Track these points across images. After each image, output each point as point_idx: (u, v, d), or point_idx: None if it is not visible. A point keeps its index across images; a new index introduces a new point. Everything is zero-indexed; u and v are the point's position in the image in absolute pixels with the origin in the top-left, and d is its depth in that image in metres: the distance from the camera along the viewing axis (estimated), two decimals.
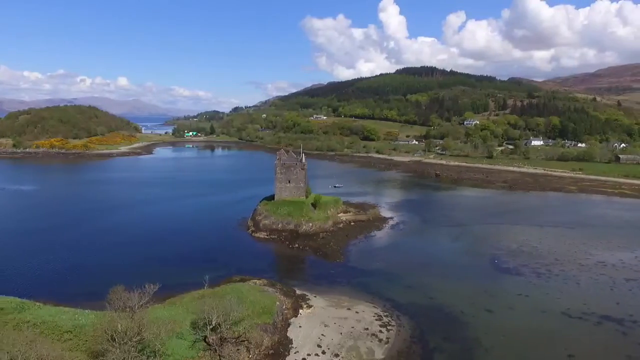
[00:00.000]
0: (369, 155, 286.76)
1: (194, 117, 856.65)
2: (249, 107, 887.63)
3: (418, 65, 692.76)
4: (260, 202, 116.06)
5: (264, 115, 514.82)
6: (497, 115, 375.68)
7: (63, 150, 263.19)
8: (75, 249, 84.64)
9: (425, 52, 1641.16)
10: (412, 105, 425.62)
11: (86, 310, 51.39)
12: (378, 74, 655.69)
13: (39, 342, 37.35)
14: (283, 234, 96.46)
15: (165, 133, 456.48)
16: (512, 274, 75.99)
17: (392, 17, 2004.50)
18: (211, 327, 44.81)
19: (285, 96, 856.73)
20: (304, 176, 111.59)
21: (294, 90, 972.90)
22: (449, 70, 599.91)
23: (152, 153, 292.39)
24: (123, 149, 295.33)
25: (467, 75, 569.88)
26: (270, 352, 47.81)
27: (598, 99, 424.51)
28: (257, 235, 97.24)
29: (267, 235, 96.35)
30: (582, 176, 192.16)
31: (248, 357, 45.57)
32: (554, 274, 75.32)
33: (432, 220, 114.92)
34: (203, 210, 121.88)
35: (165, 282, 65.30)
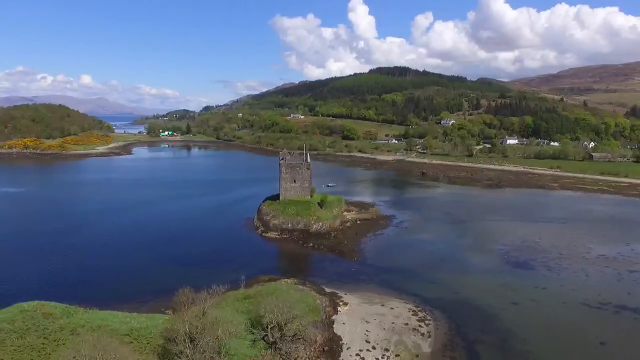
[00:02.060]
0: (352, 154, 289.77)
1: (164, 116, 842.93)
2: (220, 106, 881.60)
3: (388, 65, 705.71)
4: (264, 202, 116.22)
5: (241, 114, 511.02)
6: (471, 114, 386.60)
7: (38, 151, 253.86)
8: (87, 252, 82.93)
9: (394, 52, 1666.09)
10: (389, 104, 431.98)
11: (133, 313, 51.12)
12: (350, 73, 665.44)
13: (113, 346, 37.24)
14: (294, 233, 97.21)
15: (139, 132, 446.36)
16: (524, 268, 79.46)
17: (362, 17, 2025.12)
18: (272, 325, 45.47)
19: (257, 95, 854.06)
20: (309, 176, 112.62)
21: (264, 90, 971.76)
22: (421, 71, 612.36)
23: (131, 153, 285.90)
24: (100, 149, 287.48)
25: (440, 76, 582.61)
26: (325, 348, 48.88)
27: (564, 99, 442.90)
28: (267, 235, 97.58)
29: (279, 235, 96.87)
30: (561, 174, 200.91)
31: (306, 354, 46.46)
32: (563, 268, 79.26)
33: (433, 217, 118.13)
34: (204, 211, 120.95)
35: (191, 284, 65.96)
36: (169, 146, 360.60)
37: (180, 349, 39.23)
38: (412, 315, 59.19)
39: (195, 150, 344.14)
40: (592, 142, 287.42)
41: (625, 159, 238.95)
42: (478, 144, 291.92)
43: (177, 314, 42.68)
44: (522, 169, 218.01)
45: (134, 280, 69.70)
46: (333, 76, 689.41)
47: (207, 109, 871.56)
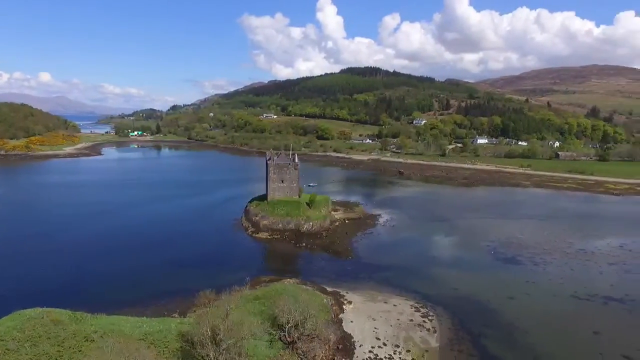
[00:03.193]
0: (327, 154, 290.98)
1: (130, 115, 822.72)
2: (188, 105, 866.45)
3: (357, 65, 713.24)
4: (250, 202, 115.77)
5: (212, 113, 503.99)
6: (442, 114, 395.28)
7: (2, 152, 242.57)
8: (75, 256, 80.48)
9: (363, 52, 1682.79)
10: (361, 104, 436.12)
11: (143, 317, 50.28)
12: (320, 73, 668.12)
13: (141, 352, 36.73)
14: (285, 233, 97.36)
15: (107, 132, 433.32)
16: (512, 263, 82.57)
17: (330, 17, 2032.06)
18: (289, 325, 45.76)
19: (227, 94, 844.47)
20: (297, 176, 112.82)
21: (233, 89, 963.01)
22: (392, 71, 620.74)
23: (101, 154, 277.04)
24: (68, 149, 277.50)
25: (409, 76, 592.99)
26: (339, 346, 49.55)
27: (529, 100, 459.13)
28: (258, 235, 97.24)
29: (270, 236, 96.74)
30: (531, 172, 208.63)
31: (322, 353, 46.97)
32: (548, 262, 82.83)
33: (417, 216, 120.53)
34: (190, 213, 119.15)
35: (191, 287, 65.53)
36: (138, 146, 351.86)
37: (206, 351, 39.05)
38: (415, 311, 60.70)
39: (167, 151, 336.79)
40: (557, 142, 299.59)
41: (589, 158, 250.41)
42: (450, 144, 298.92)
43: (200, 316, 42.28)
44: (494, 167, 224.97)
45: (131, 285, 68.23)
46: (303, 76, 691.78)
47: (174, 108, 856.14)
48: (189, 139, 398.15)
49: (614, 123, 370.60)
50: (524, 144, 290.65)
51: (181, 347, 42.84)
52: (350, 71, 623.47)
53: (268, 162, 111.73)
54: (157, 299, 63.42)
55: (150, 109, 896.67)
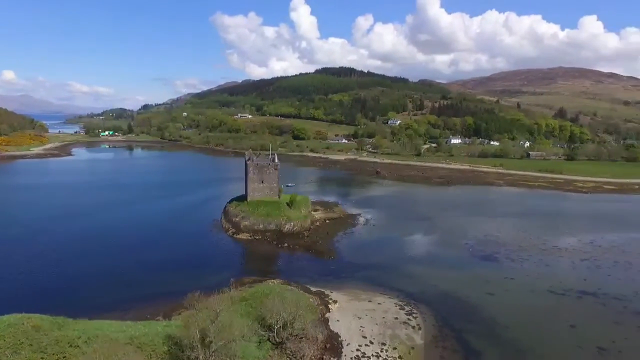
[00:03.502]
0: (304, 154, 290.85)
1: (99, 114, 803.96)
2: (159, 104, 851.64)
3: (331, 65, 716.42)
4: (230, 203, 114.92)
5: (185, 113, 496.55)
6: (415, 115, 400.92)
7: None
8: (51, 260, 78.02)
9: (336, 52, 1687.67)
10: (337, 104, 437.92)
11: (127, 321, 49.25)
12: (294, 73, 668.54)
13: (130, 356, 36.05)
14: (267, 234, 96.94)
15: (76, 132, 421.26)
16: (490, 260, 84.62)
17: (304, 17, 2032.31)
18: (278, 326, 45.73)
19: (199, 94, 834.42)
20: (277, 176, 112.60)
21: (205, 88, 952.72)
22: (366, 72, 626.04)
23: (71, 154, 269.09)
24: (36, 150, 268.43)
25: (383, 77, 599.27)
26: (327, 345, 49.77)
27: (500, 101, 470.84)
28: (239, 237, 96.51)
29: (250, 236, 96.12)
30: (504, 171, 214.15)
31: (311, 352, 47.10)
32: (524, 259, 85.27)
33: (397, 215, 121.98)
34: (167, 214, 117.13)
35: (172, 289, 64.74)
36: (109, 147, 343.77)
37: (195, 354, 38.65)
38: (399, 309, 61.48)
39: (140, 151, 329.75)
40: (527, 142, 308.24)
41: (558, 157, 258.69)
42: (425, 144, 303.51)
43: (188, 318, 41.75)
44: (468, 167, 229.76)
45: (109, 288, 66.58)
46: (278, 75, 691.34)
47: (146, 107, 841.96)
48: (162, 139, 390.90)
49: (580, 124, 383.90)
50: (496, 144, 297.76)
51: (169, 350, 42.15)
52: (325, 71, 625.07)
53: (247, 162, 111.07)
54: (138, 302, 62.17)
55: (121, 109, 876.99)
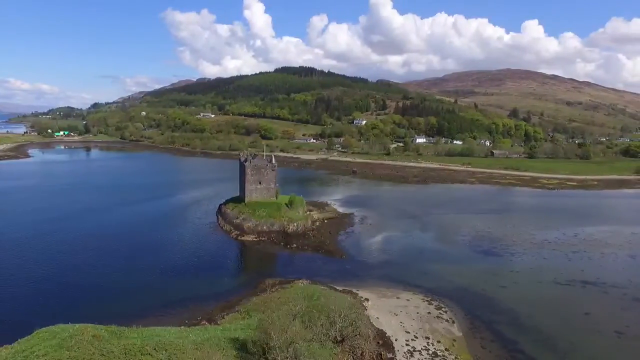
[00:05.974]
0: (275, 154, 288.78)
1: (45, 113, 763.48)
2: (110, 103, 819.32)
3: (286, 64, 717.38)
4: (225, 204, 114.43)
5: (144, 112, 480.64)
6: (379, 114, 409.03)
7: None
8: (57, 268, 75.16)
9: (291, 51, 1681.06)
10: (301, 104, 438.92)
11: (180, 327, 49.01)
12: (250, 72, 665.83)
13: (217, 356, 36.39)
14: (272, 235, 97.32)
15: (25, 133, 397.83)
16: (491, 255, 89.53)
17: (257, 16, 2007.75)
18: (340, 324, 47.11)
19: (154, 92, 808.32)
20: (275, 177, 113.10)
21: (157, 86, 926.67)
22: (327, 72, 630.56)
23: (29, 156, 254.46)
24: None
25: (343, 77, 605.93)
26: (380, 342, 51.64)
27: (457, 101, 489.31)
28: (244, 238, 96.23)
29: (256, 238, 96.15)
30: (473, 169, 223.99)
31: (369, 350, 48.82)
32: (522, 253, 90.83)
33: (388, 214, 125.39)
34: (160, 218, 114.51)
35: (190, 294, 65.05)
36: (65, 147, 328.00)
37: (272, 356, 39.39)
38: (428, 304, 64.35)
39: (100, 152, 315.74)
40: (488, 141, 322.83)
41: (519, 156, 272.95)
42: (392, 143, 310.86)
43: (265, 320, 42.25)
44: (438, 165, 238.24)
45: (134, 295, 65.22)
46: (233, 74, 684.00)
47: (96, 106, 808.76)
48: (122, 139, 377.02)
49: (532, 123, 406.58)
50: (459, 142, 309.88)
51: (239, 354, 42.60)
52: (286, 70, 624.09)
53: (245, 163, 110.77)
54: (167, 308, 61.42)
55: (69, 107, 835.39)
